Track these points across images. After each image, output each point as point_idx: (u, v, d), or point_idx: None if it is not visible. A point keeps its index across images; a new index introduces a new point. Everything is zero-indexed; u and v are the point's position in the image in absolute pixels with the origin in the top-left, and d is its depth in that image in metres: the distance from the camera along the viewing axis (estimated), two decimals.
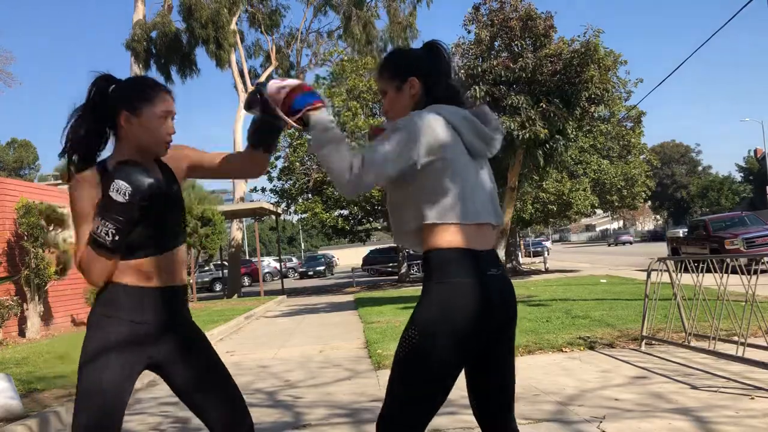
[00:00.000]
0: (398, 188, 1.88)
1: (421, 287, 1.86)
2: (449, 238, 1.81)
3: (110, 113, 1.91)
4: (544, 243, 52.86)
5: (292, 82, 1.90)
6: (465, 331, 1.76)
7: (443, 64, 2.01)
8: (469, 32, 12.35)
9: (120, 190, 1.76)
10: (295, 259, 53.31)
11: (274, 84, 1.89)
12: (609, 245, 57.39)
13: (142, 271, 1.89)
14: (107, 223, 1.77)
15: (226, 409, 1.98)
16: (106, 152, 2.00)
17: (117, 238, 1.78)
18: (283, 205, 23.18)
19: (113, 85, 1.94)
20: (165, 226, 1.96)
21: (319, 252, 61.78)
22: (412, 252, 25.40)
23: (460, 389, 1.96)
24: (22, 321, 11.22)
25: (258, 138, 2.04)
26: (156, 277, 1.91)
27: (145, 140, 1.90)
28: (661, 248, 25.62)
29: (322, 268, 42.98)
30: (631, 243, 55.60)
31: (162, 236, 1.94)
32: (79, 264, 1.84)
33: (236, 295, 23.18)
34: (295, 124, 1.86)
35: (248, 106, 1.94)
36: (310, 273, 42.55)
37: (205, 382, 1.98)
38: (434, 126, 1.83)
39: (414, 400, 1.81)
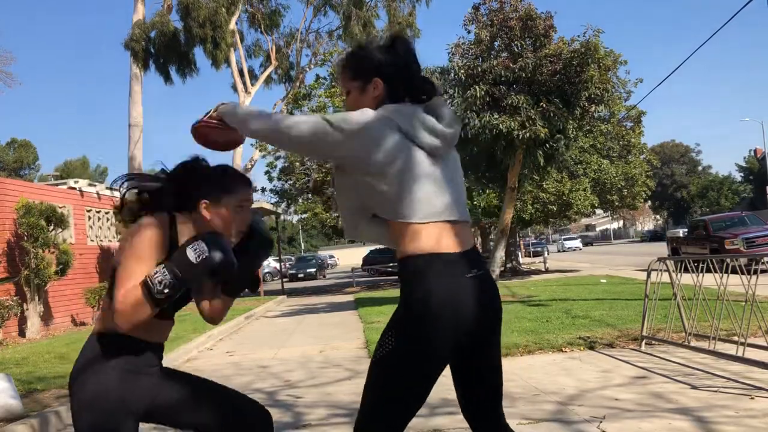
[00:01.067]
0: (343, 173, 1.88)
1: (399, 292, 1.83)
2: (422, 242, 1.77)
3: (190, 197, 1.92)
4: (566, 243, 52.64)
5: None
6: (441, 337, 1.73)
7: (408, 61, 1.95)
8: (469, 32, 12.36)
9: (197, 250, 1.74)
10: (295, 259, 53.19)
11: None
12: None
13: (154, 329, 1.91)
14: (167, 274, 1.72)
15: (235, 414, 1.99)
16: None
17: (167, 291, 1.72)
18: (283, 205, 23.19)
19: (197, 169, 1.96)
20: (186, 294, 1.97)
21: (318, 252, 61.78)
22: None
23: None
24: (22, 321, 11.23)
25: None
26: (159, 334, 1.96)
27: (219, 227, 1.92)
28: (661, 248, 25.61)
29: (313, 270, 39.19)
30: (592, 244, 70.29)
31: (179, 301, 1.95)
32: (123, 300, 1.74)
33: None
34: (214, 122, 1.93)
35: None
36: (300, 275, 38.43)
37: (203, 399, 1.98)
38: (382, 131, 1.79)
39: (389, 404, 1.79)
